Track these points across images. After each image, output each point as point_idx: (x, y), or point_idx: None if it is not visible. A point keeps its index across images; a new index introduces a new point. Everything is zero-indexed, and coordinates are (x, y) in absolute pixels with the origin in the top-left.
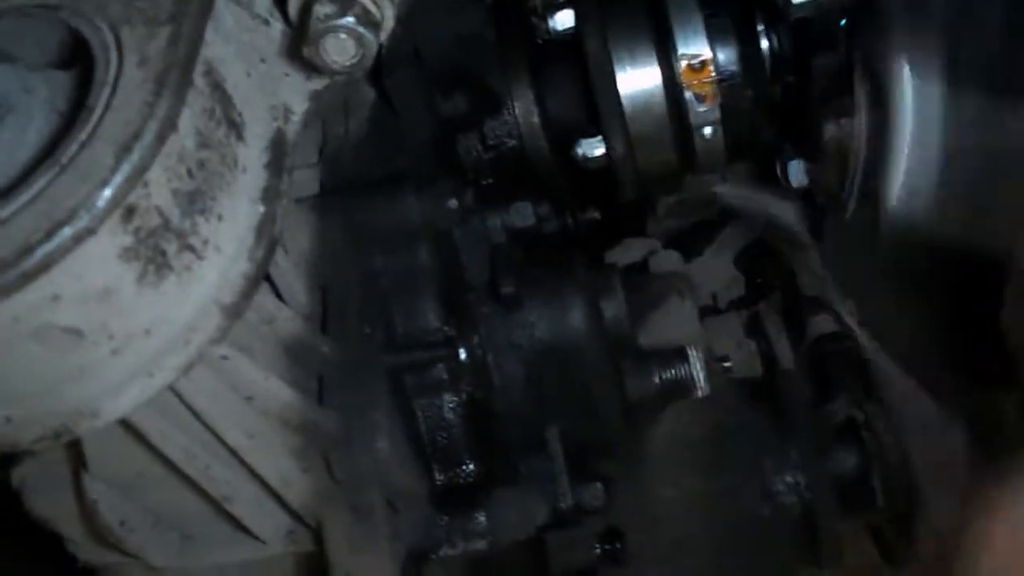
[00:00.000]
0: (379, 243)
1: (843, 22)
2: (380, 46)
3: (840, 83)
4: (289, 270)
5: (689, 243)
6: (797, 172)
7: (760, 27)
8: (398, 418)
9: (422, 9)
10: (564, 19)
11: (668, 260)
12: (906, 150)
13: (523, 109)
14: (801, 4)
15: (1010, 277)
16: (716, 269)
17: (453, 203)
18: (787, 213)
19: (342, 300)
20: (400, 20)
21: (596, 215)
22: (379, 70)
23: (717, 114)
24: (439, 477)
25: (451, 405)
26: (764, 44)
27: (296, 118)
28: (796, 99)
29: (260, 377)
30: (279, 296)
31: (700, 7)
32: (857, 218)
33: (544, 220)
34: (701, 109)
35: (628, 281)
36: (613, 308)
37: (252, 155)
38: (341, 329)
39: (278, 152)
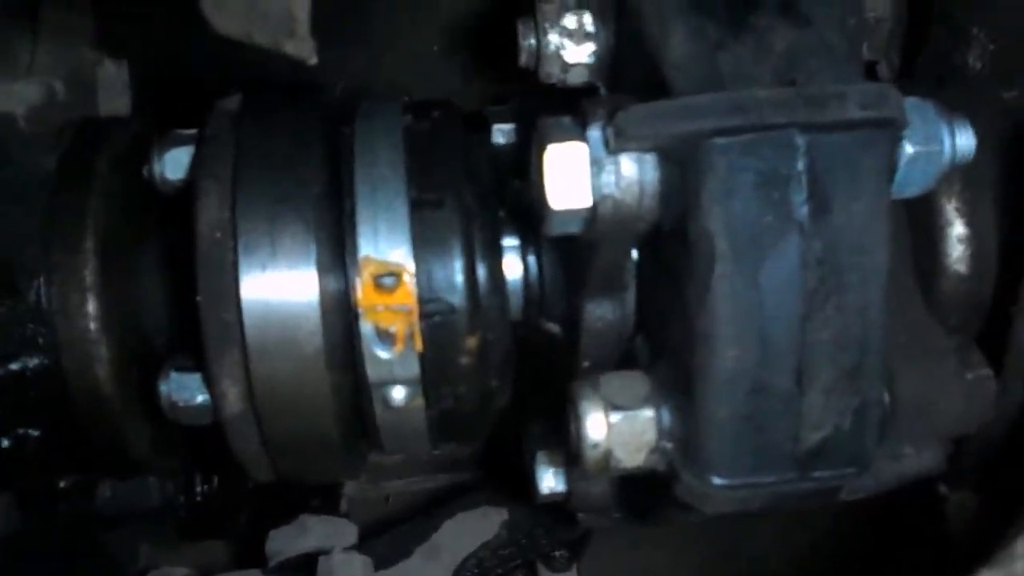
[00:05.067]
0: None
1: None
2: None
3: (624, 346)
4: None
5: (391, 540)
6: (549, 474)
7: (512, 241)
8: None
9: None
10: (174, 164)
11: (348, 567)
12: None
13: (67, 300)
14: (560, 214)
15: None
16: None
17: None
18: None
19: None
20: None
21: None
22: None
23: (415, 369)
24: None
25: None
26: (514, 268)
27: None
28: (559, 359)
29: None
30: None
31: (410, 183)
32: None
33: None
34: (384, 355)
35: None
36: None
37: None
38: None
39: None
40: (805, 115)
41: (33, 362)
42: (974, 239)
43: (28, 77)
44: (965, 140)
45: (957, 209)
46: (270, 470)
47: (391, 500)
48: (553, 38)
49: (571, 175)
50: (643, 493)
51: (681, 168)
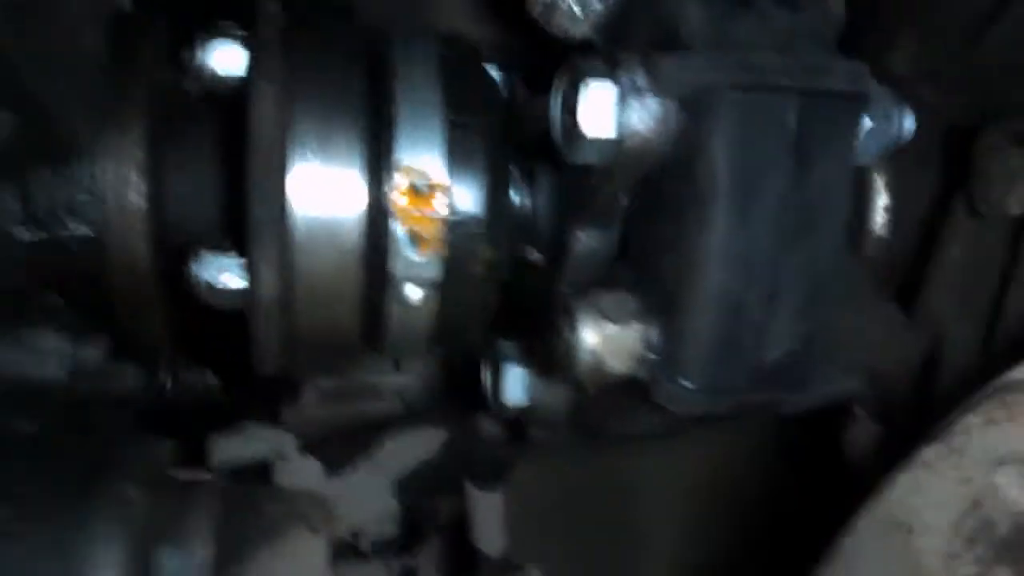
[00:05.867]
0: None
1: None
2: None
3: (602, 272)
4: None
5: (337, 450)
6: (517, 387)
7: (516, 169)
8: None
9: None
10: (228, 61)
11: (303, 471)
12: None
13: (117, 176)
14: (593, 143)
15: None
16: (367, 494)
17: None
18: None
19: None
20: None
21: (210, 380)
22: None
23: (438, 271)
24: None
25: None
26: (518, 196)
27: None
28: (539, 284)
29: None
30: None
31: (445, 104)
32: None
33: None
34: (413, 257)
35: (231, 495)
36: None
37: None
38: None
39: None
40: (803, 81)
41: (76, 231)
42: (895, 211)
43: None
44: (908, 123)
45: (886, 184)
46: (278, 361)
47: (326, 423)
48: None
49: (607, 109)
50: (595, 412)
51: (694, 114)
